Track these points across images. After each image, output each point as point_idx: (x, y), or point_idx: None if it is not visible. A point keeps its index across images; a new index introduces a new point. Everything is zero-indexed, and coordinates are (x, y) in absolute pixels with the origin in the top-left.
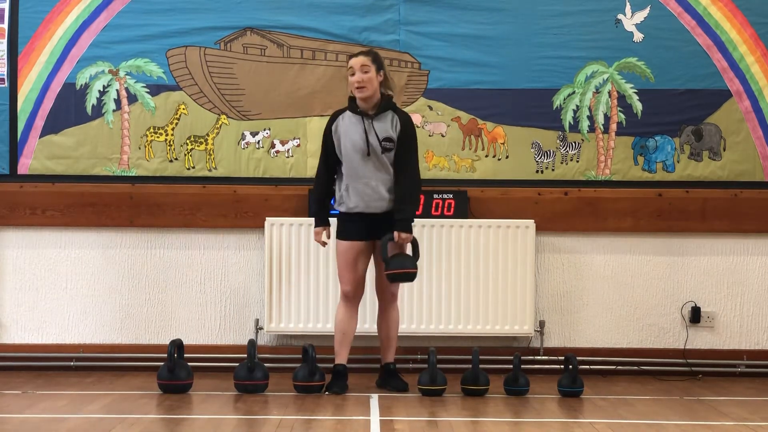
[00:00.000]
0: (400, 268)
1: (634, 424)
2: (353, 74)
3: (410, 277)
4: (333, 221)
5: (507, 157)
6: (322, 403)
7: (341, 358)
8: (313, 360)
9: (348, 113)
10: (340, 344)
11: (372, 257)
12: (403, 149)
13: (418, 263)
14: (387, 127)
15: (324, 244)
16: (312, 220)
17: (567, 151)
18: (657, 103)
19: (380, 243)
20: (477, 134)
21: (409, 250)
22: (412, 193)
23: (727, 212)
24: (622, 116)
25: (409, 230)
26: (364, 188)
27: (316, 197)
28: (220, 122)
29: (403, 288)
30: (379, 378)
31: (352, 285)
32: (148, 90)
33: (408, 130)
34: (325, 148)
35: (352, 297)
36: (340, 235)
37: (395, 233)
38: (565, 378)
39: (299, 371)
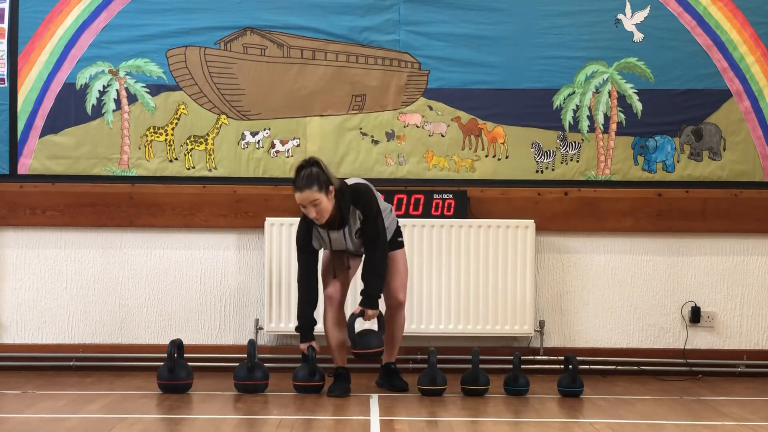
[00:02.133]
0: (366, 348)
1: (634, 424)
2: (305, 208)
3: (377, 355)
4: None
5: (507, 157)
6: (322, 403)
7: (341, 361)
8: (313, 360)
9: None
10: (336, 350)
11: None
12: (369, 227)
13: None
14: (352, 224)
15: (314, 348)
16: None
17: (567, 151)
18: (657, 103)
19: (347, 322)
20: (477, 134)
21: (374, 324)
22: (380, 267)
23: (727, 212)
24: (622, 116)
25: (377, 306)
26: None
27: (303, 310)
28: (220, 122)
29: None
30: (380, 377)
31: (335, 286)
32: (148, 90)
33: (367, 210)
34: (302, 252)
35: (334, 299)
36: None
37: (363, 310)
38: (565, 378)
39: (299, 371)
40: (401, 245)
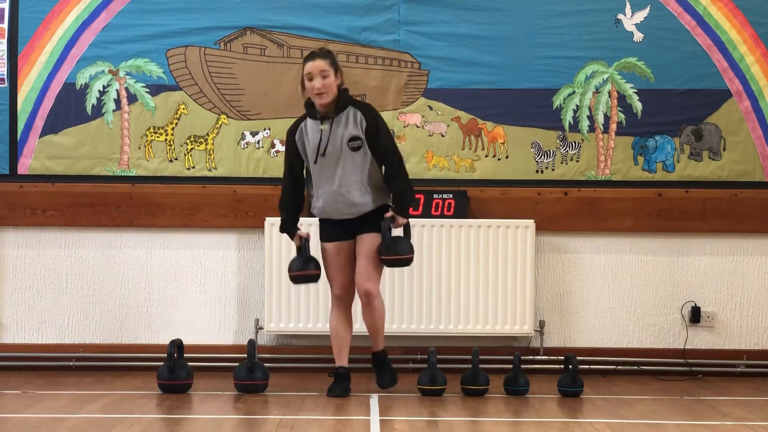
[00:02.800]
0: (396, 254)
1: (634, 424)
2: (311, 79)
3: (407, 262)
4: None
5: (507, 157)
6: (322, 403)
7: (342, 361)
8: (306, 248)
9: (308, 120)
10: (338, 349)
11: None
12: (378, 141)
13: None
14: (350, 125)
15: (304, 237)
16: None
17: (567, 151)
18: (657, 103)
19: (382, 226)
20: (477, 134)
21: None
22: (406, 180)
23: (727, 212)
24: (622, 116)
25: (407, 216)
26: (333, 196)
27: (286, 212)
28: (220, 122)
29: (403, 288)
30: (373, 366)
31: (343, 287)
32: (148, 90)
33: (373, 120)
34: (289, 158)
35: (343, 300)
36: (324, 238)
37: (395, 217)
38: (565, 378)
39: (293, 263)
40: None
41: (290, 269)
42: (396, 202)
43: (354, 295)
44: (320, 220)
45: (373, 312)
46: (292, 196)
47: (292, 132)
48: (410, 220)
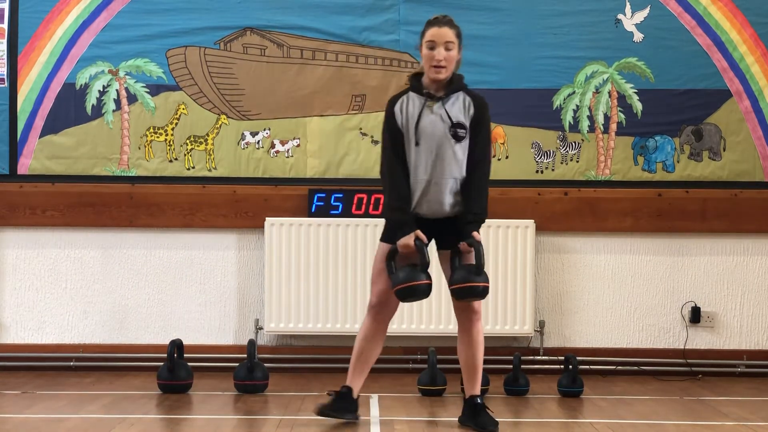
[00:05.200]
0: (464, 282)
1: (633, 424)
2: (433, 48)
3: (478, 292)
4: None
5: (507, 157)
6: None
7: (351, 380)
8: (422, 251)
9: (412, 94)
10: (353, 364)
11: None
12: (477, 135)
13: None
14: (458, 110)
15: (422, 239)
16: (310, 220)
17: (567, 151)
18: (657, 103)
19: (451, 261)
20: None
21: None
22: (485, 191)
23: (727, 212)
24: (622, 116)
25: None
26: (427, 188)
27: (404, 204)
28: (219, 122)
29: None
30: (462, 414)
31: (380, 296)
32: (148, 90)
33: (482, 110)
34: (391, 136)
35: (383, 311)
36: (385, 238)
37: (473, 234)
38: (564, 378)
39: (399, 272)
40: None
41: (395, 282)
42: (472, 217)
43: (394, 311)
44: None
45: (474, 342)
46: (406, 183)
47: (392, 103)
48: None
